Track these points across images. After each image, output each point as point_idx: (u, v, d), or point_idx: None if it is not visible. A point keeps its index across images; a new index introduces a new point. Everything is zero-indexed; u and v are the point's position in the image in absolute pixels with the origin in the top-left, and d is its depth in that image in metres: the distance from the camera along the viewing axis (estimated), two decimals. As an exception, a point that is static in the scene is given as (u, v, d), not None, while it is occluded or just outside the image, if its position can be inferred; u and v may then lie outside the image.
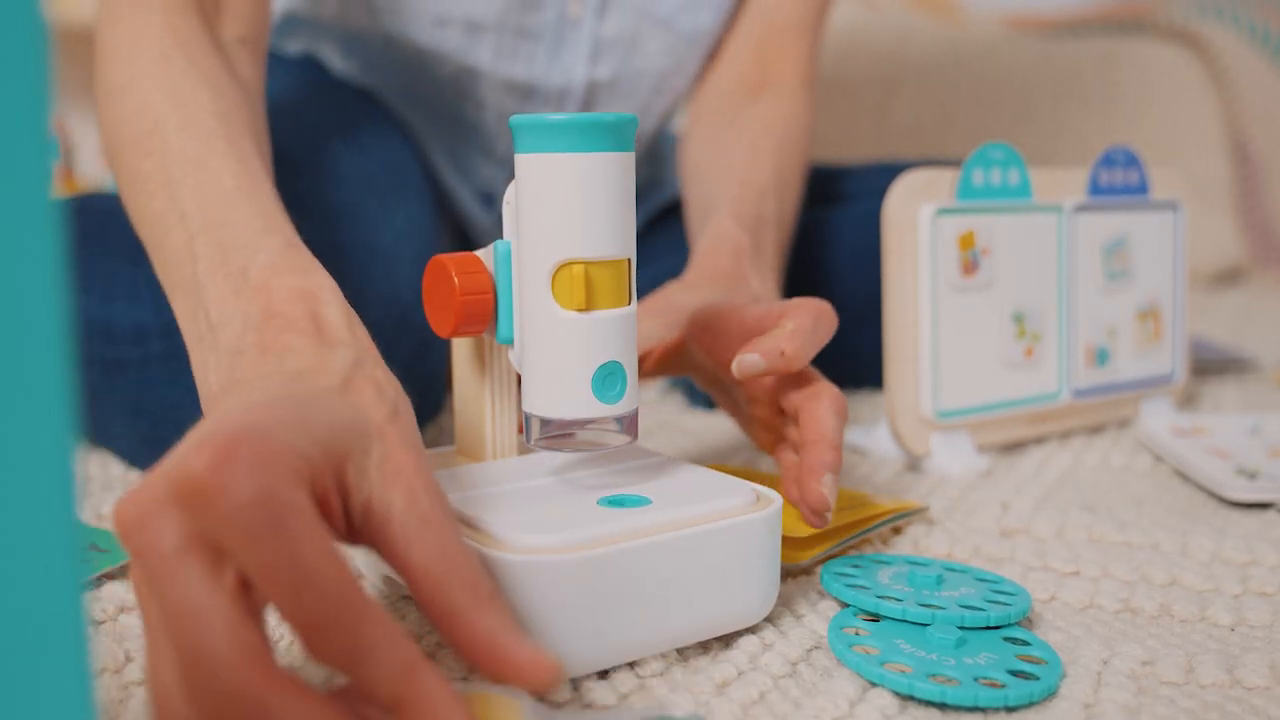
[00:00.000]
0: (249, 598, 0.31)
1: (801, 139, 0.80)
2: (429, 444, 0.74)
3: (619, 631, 0.40)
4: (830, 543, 0.53)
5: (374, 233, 0.65)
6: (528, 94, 0.82)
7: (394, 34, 0.80)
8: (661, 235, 0.94)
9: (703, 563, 0.42)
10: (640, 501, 0.43)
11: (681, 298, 0.60)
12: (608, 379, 0.43)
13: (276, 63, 0.84)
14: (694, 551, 0.41)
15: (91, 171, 1.42)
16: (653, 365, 0.59)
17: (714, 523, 0.42)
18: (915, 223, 0.69)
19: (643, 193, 0.98)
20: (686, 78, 0.86)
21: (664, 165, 0.99)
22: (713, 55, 0.86)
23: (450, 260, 0.46)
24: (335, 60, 0.85)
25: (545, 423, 0.44)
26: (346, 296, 0.63)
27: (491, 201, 0.91)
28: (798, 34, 0.83)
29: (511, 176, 0.49)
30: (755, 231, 0.68)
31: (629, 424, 0.45)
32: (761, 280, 0.64)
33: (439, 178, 0.89)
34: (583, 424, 0.44)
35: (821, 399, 0.50)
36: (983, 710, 0.40)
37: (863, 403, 0.86)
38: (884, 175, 0.83)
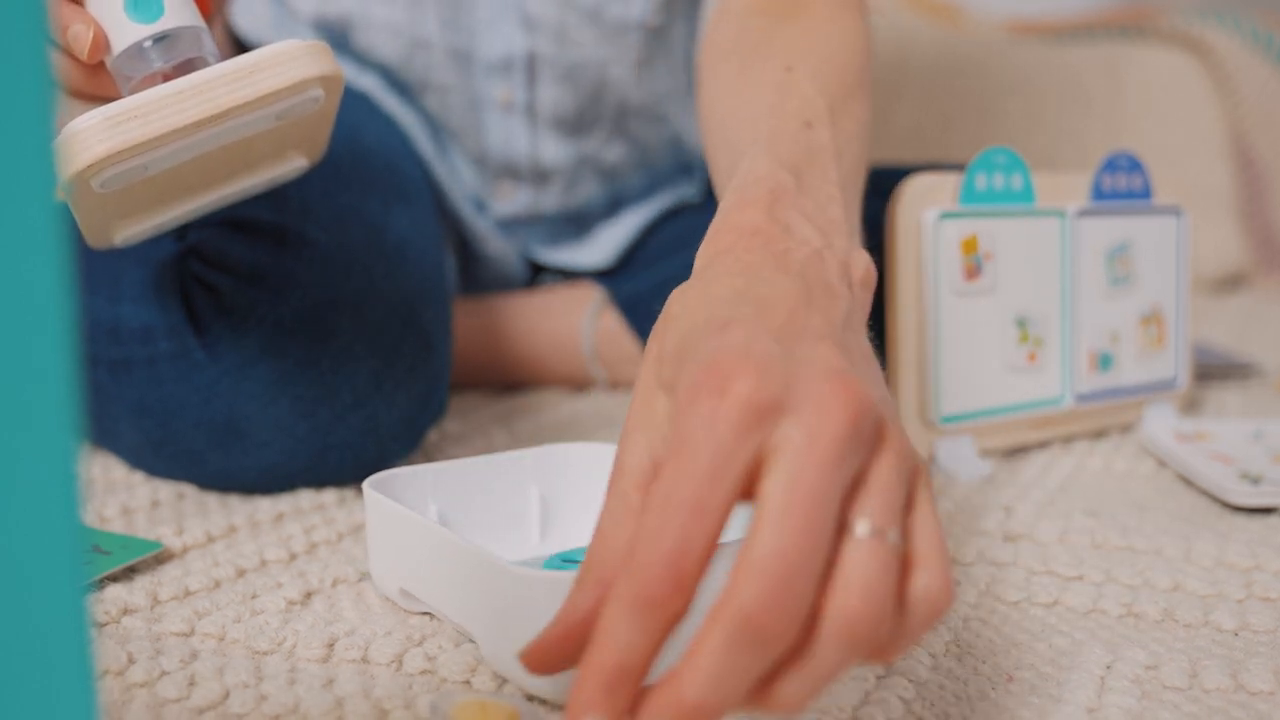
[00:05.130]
0: None
1: (856, 51, 0.61)
2: (429, 445, 0.74)
3: None
4: None
5: (378, 235, 0.65)
6: (472, 64, 0.85)
7: (354, 17, 0.83)
8: (670, 232, 0.94)
9: (721, 579, 0.41)
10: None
11: (679, 325, 0.37)
12: (140, 1, 0.46)
13: None
14: (712, 567, 0.41)
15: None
16: None
17: (732, 538, 0.42)
18: (918, 227, 0.69)
19: (638, 194, 0.98)
20: (633, 69, 0.88)
21: (673, 167, 0.99)
22: None
23: None
24: None
25: (120, 77, 0.47)
26: (351, 298, 0.64)
27: (483, 206, 0.91)
28: None
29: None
30: (799, 169, 0.48)
31: (190, 42, 0.48)
32: (818, 224, 0.44)
33: (433, 181, 0.89)
34: (140, 59, 0.47)
35: None
36: None
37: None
38: (886, 179, 0.83)
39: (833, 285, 0.40)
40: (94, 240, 0.52)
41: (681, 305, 0.38)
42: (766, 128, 0.52)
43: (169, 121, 0.44)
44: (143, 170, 0.45)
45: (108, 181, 0.45)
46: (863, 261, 0.43)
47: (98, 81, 0.48)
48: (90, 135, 0.43)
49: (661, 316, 0.39)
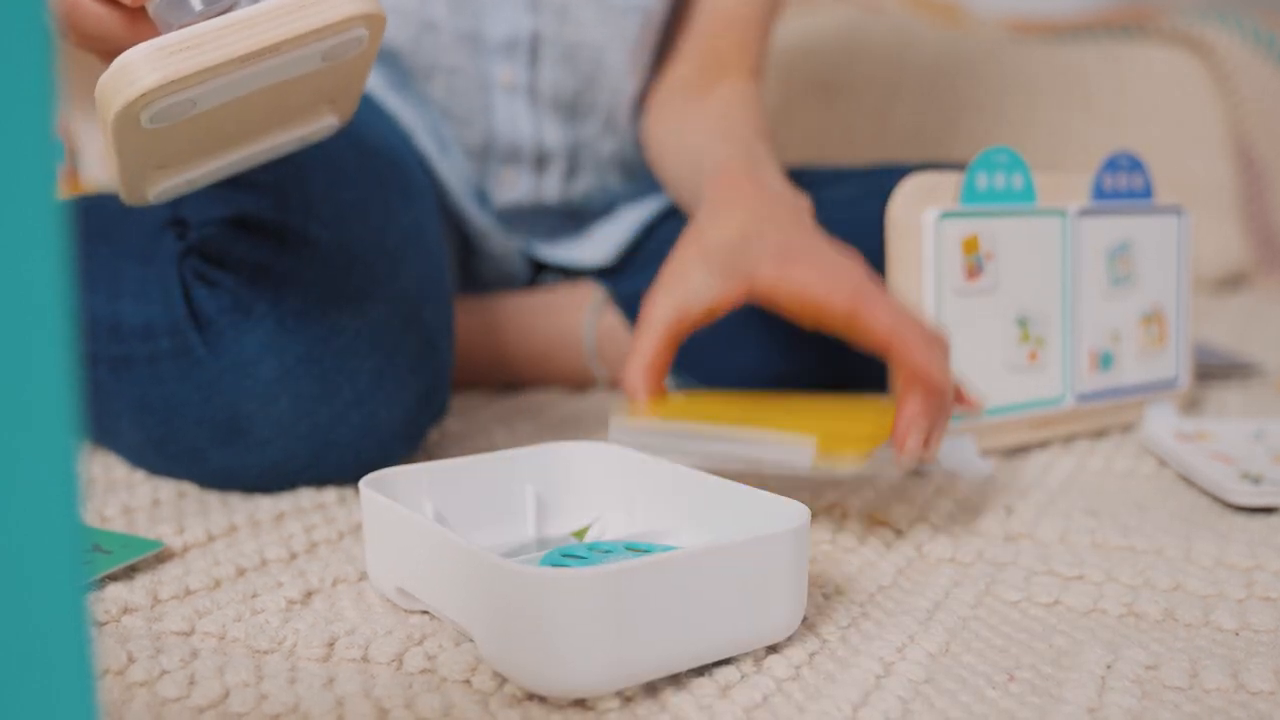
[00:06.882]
0: None
1: (761, 107, 0.85)
2: (430, 444, 0.74)
3: (643, 649, 0.39)
4: (866, 447, 0.53)
5: (380, 233, 0.65)
6: (479, 45, 0.86)
7: None
8: (669, 231, 0.94)
9: (728, 578, 0.41)
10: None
11: (717, 234, 0.62)
12: None
13: None
14: (719, 567, 0.41)
15: (95, 174, 1.42)
16: (707, 319, 0.62)
17: (739, 537, 0.42)
18: (919, 226, 0.69)
19: (634, 193, 0.98)
20: (627, 54, 0.89)
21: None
22: (665, 55, 0.91)
23: None
24: None
25: (162, 23, 0.47)
26: (353, 296, 0.64)
27: (485, 199, 0.91)
28: (746, 27, 0.88)
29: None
30: (754, 159, 0.72)
31: None
32: (778, 180, 0.69)
33: (435, 176, 0.89)
34: (182, 5, 0.46)
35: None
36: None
37: (866, 406, 0.86)
38: (887, 178, 0.83)
39: (801, 210, 0.66)
40: (129, 195, 0.53)
41: (712, 220, 0.63)
42: (720, 137, 0.76)
43: (222, 53, 0.44)
44: (190, 106, 0.46)
45: (157, 116, 0.45)
46: (807, 201, 0.68)
47: (138, 29, 0.49)
48: (143, 65, 0.43)
49: (691, 226, 0.65)
